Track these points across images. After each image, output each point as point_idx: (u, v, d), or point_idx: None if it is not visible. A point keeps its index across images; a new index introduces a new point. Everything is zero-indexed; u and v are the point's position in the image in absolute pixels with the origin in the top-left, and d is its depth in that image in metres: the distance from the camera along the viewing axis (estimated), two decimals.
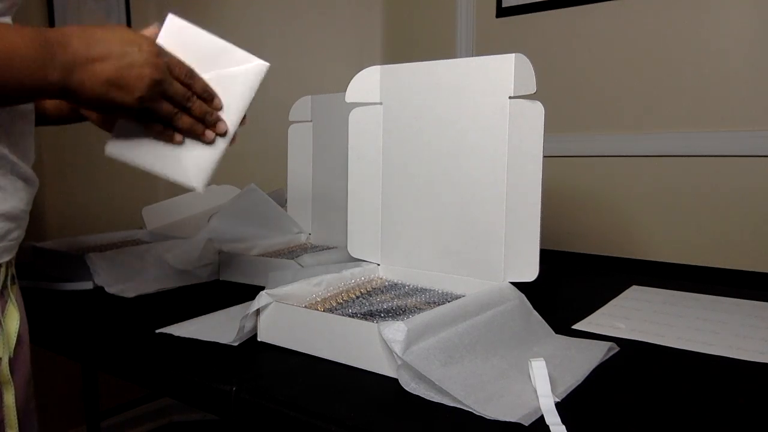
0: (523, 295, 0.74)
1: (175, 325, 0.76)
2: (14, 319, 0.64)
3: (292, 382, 0.59)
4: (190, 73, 0.66)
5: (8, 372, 0.62)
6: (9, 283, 0.64)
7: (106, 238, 1.20)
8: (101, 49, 0.57)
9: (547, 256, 0.76)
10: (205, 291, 0.98)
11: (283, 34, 1.96)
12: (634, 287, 0.98)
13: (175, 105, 0.65)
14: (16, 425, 0.63)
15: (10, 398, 0.62)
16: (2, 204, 0.59)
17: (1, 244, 0.60)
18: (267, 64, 0.72)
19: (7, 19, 0.62)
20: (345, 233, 0.90)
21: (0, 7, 0.60)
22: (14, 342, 0.63)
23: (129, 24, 1.86)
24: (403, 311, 0.72)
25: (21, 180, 0.61)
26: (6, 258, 0.62)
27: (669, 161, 1.50)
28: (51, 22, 1.69)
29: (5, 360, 0.62)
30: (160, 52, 0.61)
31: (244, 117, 0.72)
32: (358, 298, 0.77)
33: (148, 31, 0.67)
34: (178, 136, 0.68)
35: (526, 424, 0.49)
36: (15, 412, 0.63)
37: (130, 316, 0.83)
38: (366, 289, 0.81)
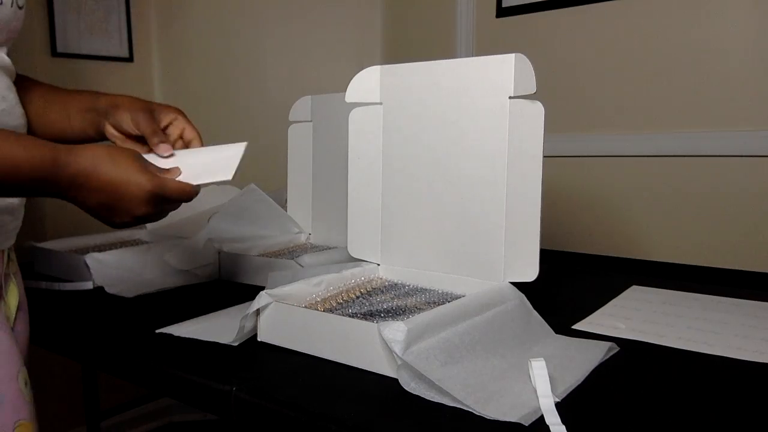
0: (523, 295, 0.74)
1: (175, 325, 0.76)
2: (14, 296, 0.72)
3: (292, 382, 0.59)
4: (184, 197, 0.68)
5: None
6: (9, 263, 0.72)
7: (106, 238, 1.20)
8: (102, 180, 0.61)
9: (547, 256, 0.76)
10: (205, 291, 0.98)
11: (283, 34, 1.96)
12: (634, 287, 0.98)
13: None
14: None
15: None
16: (0, 201, 0.65)
17: (2, 234, 0.68)
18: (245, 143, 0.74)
19: (4, 50, 0.68)
20: (345, 233, 0.90)
21: None
22: (14, 316, 0.71)
23: (129, 24, 1.86)
24: (403, 311, 0.72)
25: None
26: (8, 245, 0.70)
27: (669, 161, 1.50)
28: (51, 22, 1.69)
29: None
30: (152, 196, 0.63)
31: None
32: (358, 298, 0.77)
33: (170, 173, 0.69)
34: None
35: (526, 424, 0.49)
36: None
37: (130, 316, 0.83)
38: (366, 289, 0.81)
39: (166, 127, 0.77)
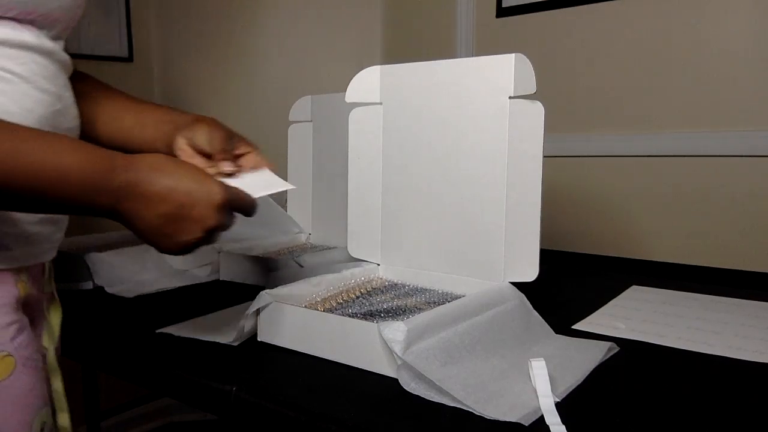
0: (523, 295, 0.74)
1: (175, 325, 0.76)
2: (57, 313, 0.68)
3: (292, 382, 0.59)
4: (250, 209, 0.62)
5: (55, 361, 0.65)
6: (51, 279, 0.68)
7: (106, 238, 1.20)
8: (169, 185, 0.54)
9: (547, 256, 0.76)
10: (205, 291, 0.98)
11: (283, 34, 1.96)
12: (634, 287, 0.98)
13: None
14: (67, 408, 0.66)
15: (58, 384, 0.65)
16: None
17: (46, 245, 0.62)
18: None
19: (61, 44, 0.62)
20: (345, 233, 0.90)
21: (53, 33, 0.60)
22: (58, 334, 0.67)
23: (129, 24, 1.86)
24: (403, 311, 0.72)
25: None
26: (49, 257, 0.65)
27: (669, 161, 1.50)
28: None
29: (52, 350, 0.65)
30: (226, 202, 0.57)
31: None
32: (358, 298, 0.77)
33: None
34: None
35: (526, 424, 0.49)
36: (64, 397, 0.66)
37: (130, 316, 0.83)
38: (366, 289, 0.81)
39: (239, 156, 0.74)
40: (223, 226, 0.57)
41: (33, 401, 0.57)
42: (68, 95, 0.63)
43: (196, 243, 0.56)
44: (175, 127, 0.73)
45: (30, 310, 0.60)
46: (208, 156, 0.71)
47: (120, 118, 0.76)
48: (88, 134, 0.76)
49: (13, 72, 0.55)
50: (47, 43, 0.59)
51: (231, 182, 0.65)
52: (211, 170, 0.69)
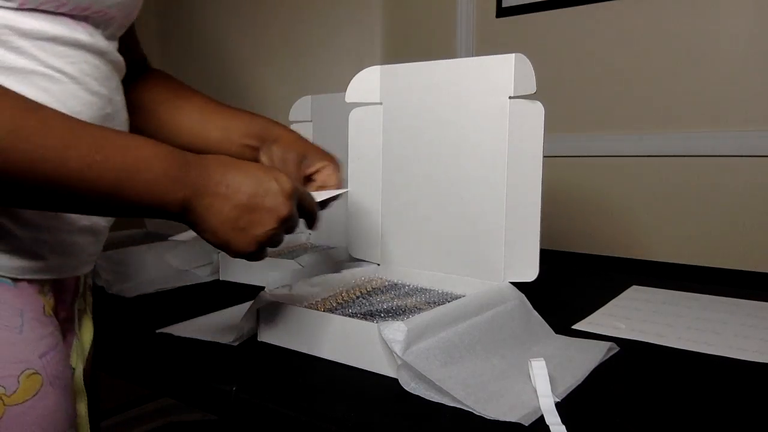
0: (523, 295, 0.74)
1: (175, 325, 0.76)
2: (89, 330, 0.65)
3: (292, 382, 0.59)
4: (314, 208, 0.63)
5: (82, 382, 0.62)
6: (87, 293, 0.65)
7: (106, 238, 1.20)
8: (245, 170, 0.54)
9: (547, 256, 0.76)
10: (205, 291, 0.98)
11: (283, 34, 1.96)
12: (634, 287, 0.98)
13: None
14: None
15: (83, 408, 0.62)
16: (85, 219, 0.56)
17: (83, 257, 0.59)
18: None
19: (114, 44, 0.60)
20: (345, 233, 0.90)
21: (108, 32, 0.58)
22: (88, 352, 0.64)
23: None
24: (403, 311, 0.72)
25: None
26: (86, 270, 0.61)
27: (669, 161, 1.50)
28: None
29: (79, 370, 0.61)
30: (295, 190, 0.57)
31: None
32: (358, 298, 0.77)
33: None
34: None
35: (526, 424, 0.49)
36: (87, 422, 0.62)
37: (130, 316, 0.83)
38: (366, 289, 0.81)
39: (314, 172, 0.77)
40: (294, 219, 0.57)
41: (59, 423, 0.54)
42: (119, 99, 0.61)
43: (270, 237, 0.54)
44: (260, 143, 0.77)
45: (60, 326, 0.58)
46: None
47: (205, 132, 0.77)
48: (171, 143, 0.76)
49: (63, 71, 0.52)
50: (101, 42, 0.56)
51: None
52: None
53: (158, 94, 0.77)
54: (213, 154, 0.55)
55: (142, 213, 0.51)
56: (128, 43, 0.72)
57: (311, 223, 0.64)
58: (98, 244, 0.61)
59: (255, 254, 0.56)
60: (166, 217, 0.52)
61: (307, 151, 0.77)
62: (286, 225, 0.56)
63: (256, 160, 0.77)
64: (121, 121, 0.61)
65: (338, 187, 0.76)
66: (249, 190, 0.53)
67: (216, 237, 0.53)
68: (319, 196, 0.68)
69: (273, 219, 0.54)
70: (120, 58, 0.60)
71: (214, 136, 0.77)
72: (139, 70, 0.77)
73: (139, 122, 0.75)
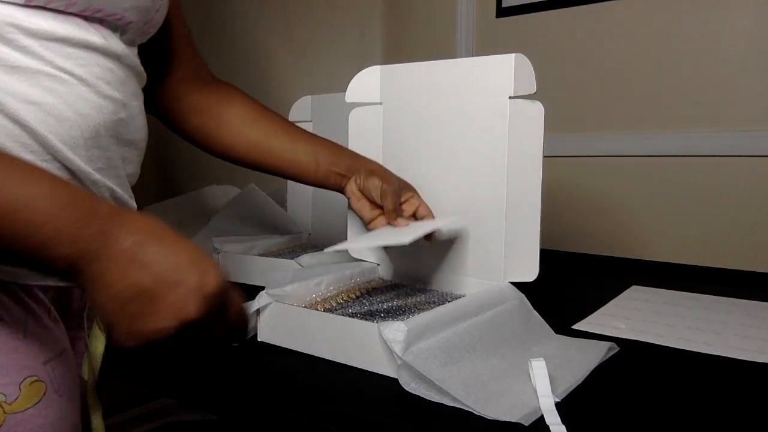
0: (523, 295, 0.74)
1: None
2: (100, 341, 0.61)
3: (292, 382, 0.59)
4: (242, 318, 0.50)
5: (95, 395, 0.60)
6: None
7: None
8: (155, 252, 0.43)
9: (547, 256, 0.76)
10: None
11: (283, 33, 1.96)
12: (634, 287, 0.98)
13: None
14: None
15: (98, 421, 0.60)
16: None
17: None
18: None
19: (134, 50, 0.59)
20: (345, 233, 0.90)
21: (127, 37, 0.56)
22: (99, 365, 0.60)
23: None
24: (403, 311, 0.72)
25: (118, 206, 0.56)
26: None
27: (669, 161, 1.50)
28: None
29: (91, 383, 0.60)
30: (218, 294, 0.45)
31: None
32: (358, 298, 0.77)
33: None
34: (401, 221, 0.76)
35: (526, 424, 0.49)
36: None
37: None
38: (366, 289, 0.81)
39: (403, 202, 0.80)
40: (202, 323, 0.45)
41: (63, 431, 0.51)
42: (136, 104, 0.58)
43: (158, 336, 0.43)
44: (348, 171, 0.80)
45: (69, 334, 0.56)
46: (375, 204, 0.78)
47: (295, 155, 0.79)
48: (259, 163, 0.79)
49: (72, 73, 0.50)
50: (116, 45, 0.54)
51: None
52: (380, 220, 0.79)
53: (246, 116, 0.79)
54: (143, 214, 0.45)
55: (22, 262, 0.43)
56: (183, 54, 0.74)
57: (233, 337, 0.50)
58: None
59: (139, 345, 0.44)
60: (54, 275, 0.44)
61: (400, 183, 0.80)
62: (189, 328, 0.44)
63: (342, 186, 0.81)
64: (137, 127, 0.58)
65: (431, 216, 0.80)
66: (159, 271, 0.42)
67: (101, 313, 0.43)
68: (433, 224, 0.73)
69: (172, 317, 0.42)
70: (138, 64, 0.58)
71: (303, 159, 0.79)
72: (200, 81, 0.78)
73: (226, 141, 0.78)
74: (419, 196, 0.81)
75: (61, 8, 0.49)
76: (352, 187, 0.80)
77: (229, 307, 0.47)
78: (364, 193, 0.79)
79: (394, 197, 0.77)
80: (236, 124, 0.78)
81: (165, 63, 0.74)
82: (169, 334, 0.43)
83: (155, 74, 0.73)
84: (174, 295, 0.42)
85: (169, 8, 0.65)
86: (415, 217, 0.80)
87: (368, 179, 0.78)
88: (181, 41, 0.74)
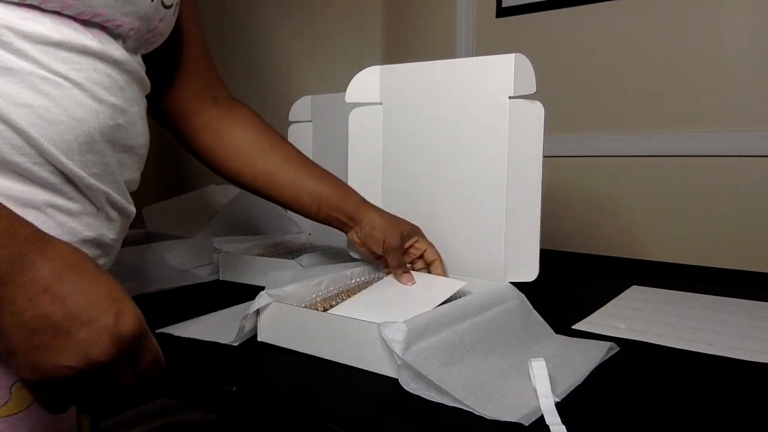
0: (523, 295, 0.74)
1: (175, 325, 0.76)
2: None
3: (292, 382, 0.59)
4: (157, 368, 0.45)
5: None
6: None
7: None
8: (71, 286, 0.40)
9: (547, 256, 0.76)
10: (205, 291, 0.98)
11: (283, 34, 1.96)
12: (634, 287, 0.98)
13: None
14: None
15: (85, 422, 0.62)
16: (89, 231, 0.53)
17: None
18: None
19: (137, 57, 0.58)
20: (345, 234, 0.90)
21: (129, 44, 0.56)
22: None
23: None
24: None
25: (115, 211, 0.56)
26: None
27: (669, 161, 1.50)
28: None
29: None
30: (133, 340, 0.42)
31: None
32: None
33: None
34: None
35: (526, 424, 0.49)
36: None
37: None
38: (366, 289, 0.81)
39: (409, 247, 0.81)
40: (112, 374, 0.41)
41: None
42: (136, 110, 0.57)
43: (61, 378, 0.39)
44: (350, 221, 0.81)
45: None
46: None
47: (299, 192, 0.79)
48: (264, 193, 0.80)
49: (67, 77, 0.49)
50: (115, 51, 0.53)
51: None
52: (382, 261, 0.80)
53: (256, 144, 0.78)
54: (70, 246, 0.42)
55: None
56: (196, 70, 0.75)
57: (138, 391, 0.46)
58: (105, 258, 0.57)
59: (35, 386, 0.40)
60: None
61: (403, 232, 0.80)
62: (95, 375, 0.40)
63: (343, 230, 0.82)
64: (137, 133, 0.57)
65: (439, 261, 0.80)
66: (73, 306, 0.39)
67: (4, 341, 0.39)
68: (441, 292, 0.72)
69: (77, 357, 0.39)
70: (140, 70, 0.58)
71: (306, 199, 0.80)
72: (213, 100, 0.78)
73: (234, 167, 0.78)
74: (425, 239, 0.82)
75: (56, 9, 0.49)
76: (353, 236, 0.81)
77: (145, 355, 0.43)
78: (366, 246, 0.80)
79: (397, 255, 0.78)
80: (245, 153, 0.78)
81: (177, 77, 0.73)
82: (72, 374, 0.39)
83: (167, 88, 0.73)
84: (84, 332, 0.39)
85: (183, 21, 0.64)
86: (423, 259, 0.81)
87: (369, 236, 0.79)
88: (194, 56, 0.74)
